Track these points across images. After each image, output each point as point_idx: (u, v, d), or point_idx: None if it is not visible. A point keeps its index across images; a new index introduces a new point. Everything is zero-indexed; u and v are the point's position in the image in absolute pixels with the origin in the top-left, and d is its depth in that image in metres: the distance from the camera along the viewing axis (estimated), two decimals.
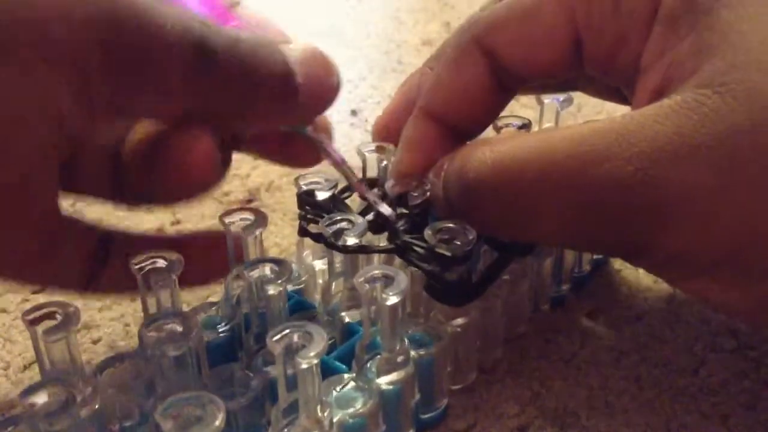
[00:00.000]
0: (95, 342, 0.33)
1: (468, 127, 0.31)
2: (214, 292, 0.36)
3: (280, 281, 0.25)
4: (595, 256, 0.36)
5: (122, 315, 0.34)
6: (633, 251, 0.25)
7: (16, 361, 0.32)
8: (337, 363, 0.26)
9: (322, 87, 0.25)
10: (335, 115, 0.54)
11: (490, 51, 0.29)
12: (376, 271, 0.25)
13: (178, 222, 0.41)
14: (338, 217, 0.27)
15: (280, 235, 0.40)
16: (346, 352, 0.27)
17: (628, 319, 0.33)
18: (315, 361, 0.22)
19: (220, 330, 0.28)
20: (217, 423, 0.20)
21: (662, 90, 0.25)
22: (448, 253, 0.26)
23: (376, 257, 0.30)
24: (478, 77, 0.29)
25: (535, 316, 0.33)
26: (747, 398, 0.29)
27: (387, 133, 0.33)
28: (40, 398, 0.21)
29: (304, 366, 0.21)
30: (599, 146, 0.23)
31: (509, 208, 0.26)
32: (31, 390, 0.21)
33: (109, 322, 0.34)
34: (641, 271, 0.36)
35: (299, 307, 0.30)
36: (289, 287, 0.31)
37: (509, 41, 0.29)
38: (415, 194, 0.29)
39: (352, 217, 0.27)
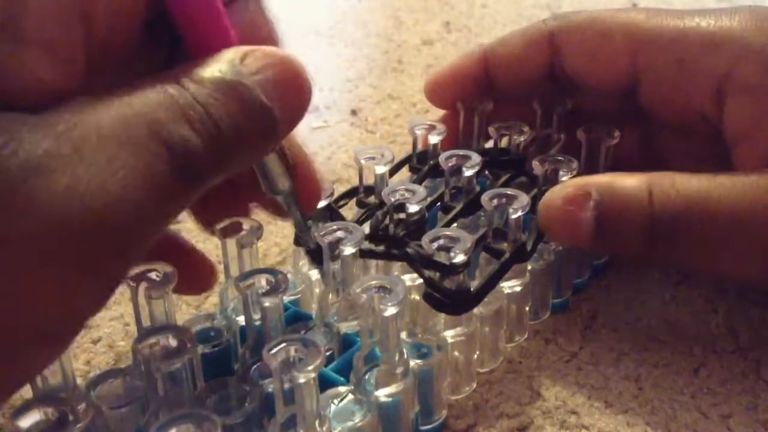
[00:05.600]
0: (95, 342, 0.33)
1: (504, 88, 0.36)
2: (212, 294, 0.36)
3: (276, 293, 0.25)
4: (594, 263, 0.36)
5: (122, 315, 0.34)
6: None
7: None
8: (335, 375, 0.26)
9: (296, 102, 0.24)
10: (335, 114, 0.54)
11: (558, 44, 0.34)
12: (374, 282, 0.24)
13: (177, 222, 0.41)
14: (335, 227, 0.27)
15: (281, 234, 0.40)
16: (344, 363, 0.27)
17: (628, 320, 0.33)
18: (313, 375, 0.21)
19: (215, 342, 0.27)
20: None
21: None
22: (446, 262, 0.26)
23: (373, 267, 0.30)
24: (539, 55, 0.35)
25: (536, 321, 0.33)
26: (747, 398, 0.29)
27: (440, 89, 0.38)
28: (31, 419, 0.21)
29: (302, 380, 0.21)
30: None
31: (701, 245, 0.28)
32: (22, 410, 0.21)
33: (108, 322, 0.34)
34: (640, 273, 0.36)
35: (296, 318, 0.30)
36: (285, 298, 0.31)
37: (576, 45, 0.34)
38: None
39: (349, 227, 0.27)
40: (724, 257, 0.28)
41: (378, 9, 0.77)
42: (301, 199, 0.26)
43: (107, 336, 0.33)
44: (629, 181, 0.29)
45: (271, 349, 0.22)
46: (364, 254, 0.28)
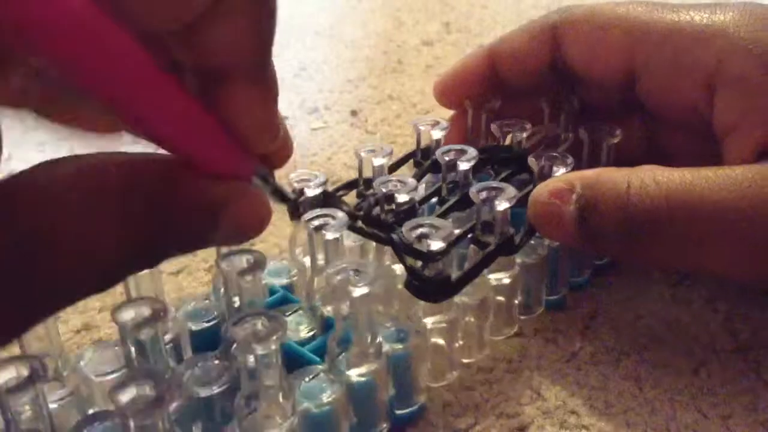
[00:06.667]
0: (95, 342, 0.33)
1: (510, 83, 0.37)
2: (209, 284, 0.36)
3: (253, 272, 0.25)
4: (595, 262, 0.35)
5: None
6: None
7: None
8: (311, 355, 0.27)
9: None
10: (335, 115, 0.54)
11: (558, 39, 0.35)
12: (347, 264, 0.25)
13: None
14: (320, 213, 0.28)
15: (280, 235, 0.40)
16: (322, 345, 0.27)
17: (628, 320, 0.33)
18: (273, 347, 0.22)
19: (206, 320, 0.28)
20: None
21: None
22: (423, 250, 0.26)
23: (370, 254, 0.31)
24: (541, 50, 0.36)
25: (534, 316, 0.33)
26: (747, 398, 0.29)
27: (448, 89, 0.39)
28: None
29: (261, 352, 0.22)
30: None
31: (682, 242, 0.27)
32: None
33: (108, 323, 0.34)
34: (640, 272, 0.36)
35: (284, 302, 0.30)
36: (280, 283, 0.31)
37: (575, 39, 0.34)
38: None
39: (332, 213, 0.28)
40: (707, 253, 0.27)
41: (378, 9, 0.78)
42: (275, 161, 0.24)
43: (107, 336, 0.33)
44: (612, 174, 0.28)
45: (236, 323, 0.22)
46: (351, 228, 0.29)
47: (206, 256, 0.39)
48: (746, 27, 0.30)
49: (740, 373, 0.30)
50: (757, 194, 0.26)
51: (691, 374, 0.30)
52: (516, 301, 0.31)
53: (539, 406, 0.29)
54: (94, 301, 0.35)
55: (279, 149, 0.23)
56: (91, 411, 0.25)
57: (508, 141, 0.36)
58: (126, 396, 0.20)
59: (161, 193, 0.19)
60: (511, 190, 0.29)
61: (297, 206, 0.30)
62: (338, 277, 0.24)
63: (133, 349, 0.23)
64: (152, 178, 0.19)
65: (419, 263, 0.27)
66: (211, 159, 0.19)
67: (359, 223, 0.30)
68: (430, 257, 0.26)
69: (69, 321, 0.33)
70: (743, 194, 0.26)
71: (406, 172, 0.37)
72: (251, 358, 0.22)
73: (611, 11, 0.34)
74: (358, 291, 0.24)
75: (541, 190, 0.29)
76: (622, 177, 0.28)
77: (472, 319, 0.29)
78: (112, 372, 0.24)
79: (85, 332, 0.33)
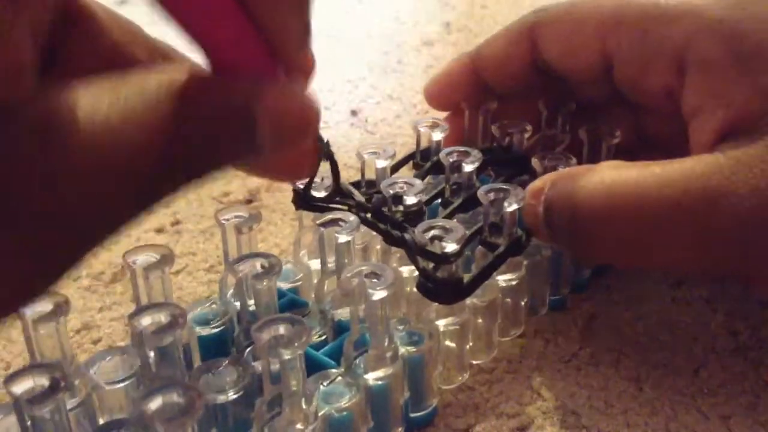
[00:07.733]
0: (95, 342, 0.33)
1: (495, 87, 0.37)
2: (214, 283, 0.36)
3: (268, 275, 0.25)
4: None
5: (122, 315, 0.34)
6: (757, 278, 0.27)
7: (16, 361, 0.32)
8: (327, 359, 0.27)
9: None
10: (335, 115, 0.54)
11: (535, 39, 0.35)
12: (363, 267, 0.25)
13: (178, 222, 0.41)
14: (332, 217, 0.28)
15: (280, 235, 0.40)
16: (337, 348, 0.27)
17: (628, 320, 0.33)
18: (299, 352, 0.22)
19: (213, 325, 0.28)
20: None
21: (731, 129, 0.27)
22: (437, 252, 0.26)
23: (373, 256, 0.30)
24: (520, 52, 0.35)
25: (536, 317, 0.33)
26: (747, 399, 0.29)
27: (437, 94, 0.39)
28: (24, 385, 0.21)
29: (287, 357, 0.22)
30: (715, 182, 0.25)
31: (624, 239, 0.27)
32: (14, 377, 0.21)
33: (109, 323, 0.34)
34: (640, 273, 0.36)
35: (292, 305, 0.30)
36: (285, 286, 0.31)
37: (551, 38, 0.34)
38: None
39: (343, 216, 0.28)
40: (652, 249, 0.27)
41: (378, 9, 0.78)
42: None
43: (107, 336, 0.33)
44: (571, 173, 0.29)
45: (258, 327, 0.22)
46: (366, 222, 0.29)
47: (206, 256, 0.39)
48: (712, 5, 0.29)
49: (740, 373, 0.30)
50: (702, 187, 0.25)
51: (691, 374, 0.30)
52: (523, 302, 0.31)
53: (539, 406, 0.29)
54: (93, 301, 0.35)
55: (304, 63, 0.21)
56: (101, 420, 0.25)
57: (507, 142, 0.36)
58: (153, 405, 0.20)
59: (189, 97, 0.17)
60: (519, 191, 0.29)
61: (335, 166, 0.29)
62: (355, 280, 0.24)
63: (152, 355, 0.23)
64: (177, 83, 0.17)
65: (431, 265, 0.27)
66: (241, 56, 0.18)
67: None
68: (444, 259, 0.26)
69: (69, 321, 0.33)
70: (688, 188, 0.26)
71: (406, 173, 0.37)
72: (276, 363, 0.22)
73: (584, 5, 0.34)
74: (378, 294, 0.24)
75: (526, 191, 0.30)
76: (576, 175, 0.28)
77: (481, 321, 0.30)
78: (125, 379, 0.24)
79: (85, 332, 0.33)
